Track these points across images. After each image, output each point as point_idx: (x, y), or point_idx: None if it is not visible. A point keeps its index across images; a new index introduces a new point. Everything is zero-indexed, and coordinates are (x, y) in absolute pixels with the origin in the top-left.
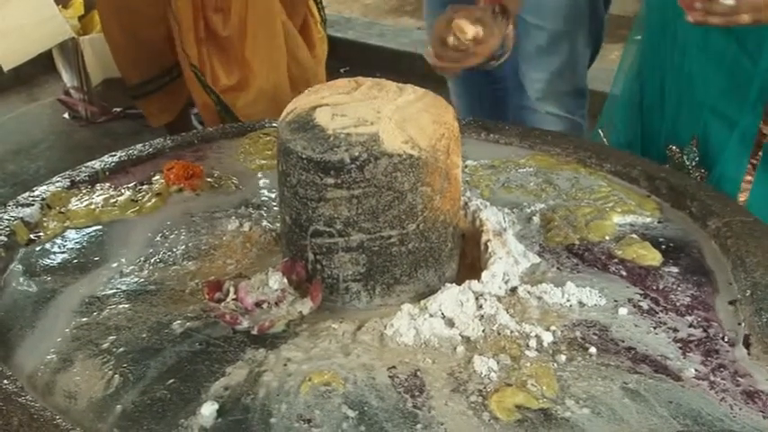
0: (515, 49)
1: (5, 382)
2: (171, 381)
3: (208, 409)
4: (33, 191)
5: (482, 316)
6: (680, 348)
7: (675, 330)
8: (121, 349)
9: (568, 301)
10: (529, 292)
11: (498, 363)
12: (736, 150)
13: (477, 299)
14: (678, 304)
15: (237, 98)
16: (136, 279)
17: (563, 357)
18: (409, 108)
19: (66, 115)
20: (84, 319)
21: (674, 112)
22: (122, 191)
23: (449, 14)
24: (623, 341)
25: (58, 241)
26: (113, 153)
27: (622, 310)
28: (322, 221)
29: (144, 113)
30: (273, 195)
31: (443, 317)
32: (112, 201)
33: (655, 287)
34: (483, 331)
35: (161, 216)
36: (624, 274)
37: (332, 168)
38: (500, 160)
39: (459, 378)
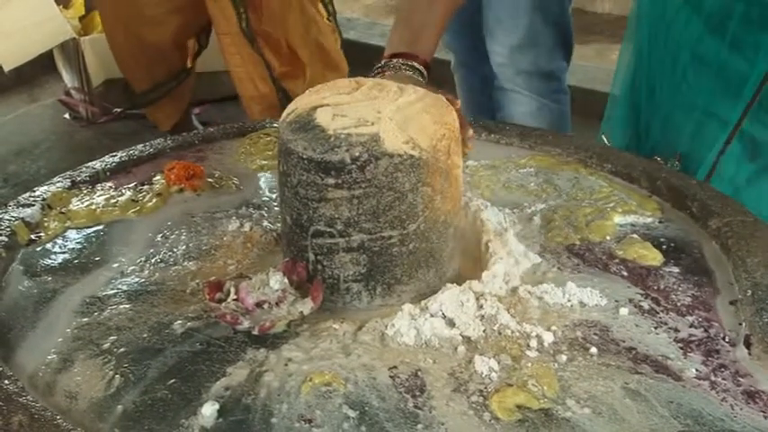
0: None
1: (6, 382)
2: (172, 381)
3: (209, 410)
4: (34, 191)
5: (483, 316)
6: (681, 348)
7: (676, 330)
8: (122, 349)
9: (569, 301)
10: (529, 293)
11: (499, 363)
12: (730, 151)
13: (477, 299)
14: (679, 304)
15: (297, 86)
16: (137, 279)
17: (564, 357)
18: (410, 108)
19: (66, 116)
20: (85, 320)
21: (667, 113)
22: (123, 191)
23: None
24: (624, 341)
25: (59, 241)
26: (114, 153)
27: (623, 311)
28: (323, 222)
29: (151, 120)
30: (274, 196)
31: (444, 317)
32: (113, 201)
33: (656, 287)
34: (484, 331)
35: (162, 216)
36: (625, 274)
37: (332, 169)
38: (500, 160)
39: (459, 378)
